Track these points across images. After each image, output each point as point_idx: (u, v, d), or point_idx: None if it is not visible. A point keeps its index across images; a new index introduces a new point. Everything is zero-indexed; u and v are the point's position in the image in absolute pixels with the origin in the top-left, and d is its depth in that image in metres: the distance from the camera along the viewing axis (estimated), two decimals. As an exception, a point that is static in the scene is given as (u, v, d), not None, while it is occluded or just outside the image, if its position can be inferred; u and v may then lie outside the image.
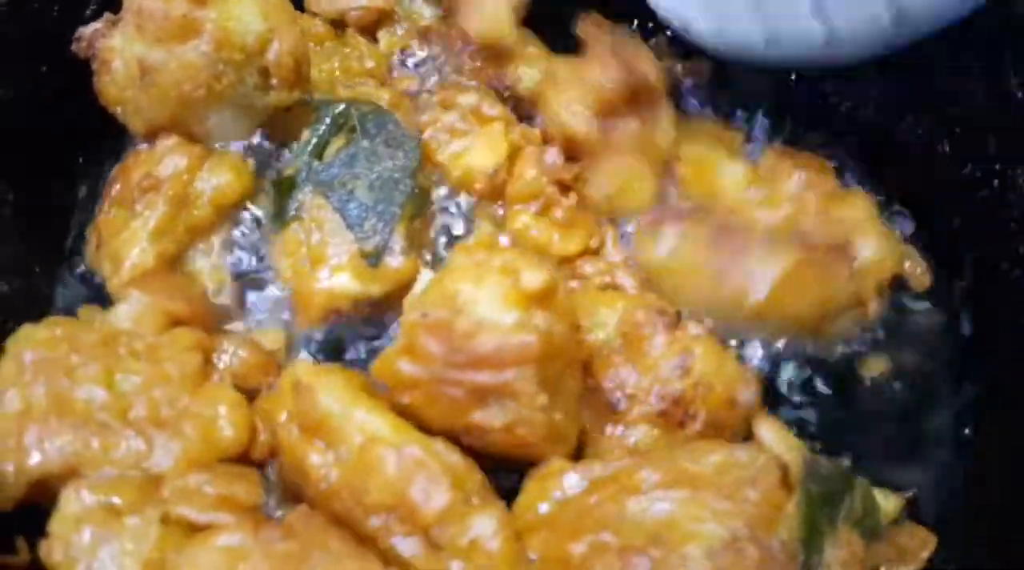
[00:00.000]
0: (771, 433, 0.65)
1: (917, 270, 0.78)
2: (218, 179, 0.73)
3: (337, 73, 0.83)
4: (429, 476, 0.58)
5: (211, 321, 0.72)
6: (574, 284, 0.76)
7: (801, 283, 0.71)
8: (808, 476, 0.60)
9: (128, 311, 0.67)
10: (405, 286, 0.74)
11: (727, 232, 0.73)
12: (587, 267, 0.77)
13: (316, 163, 0.75)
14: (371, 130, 0.76)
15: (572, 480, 0.61)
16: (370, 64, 0.85)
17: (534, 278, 0.60)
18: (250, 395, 0.66)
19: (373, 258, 0.72)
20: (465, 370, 0.60)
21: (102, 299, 0.72)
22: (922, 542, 0.66)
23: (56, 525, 0.58)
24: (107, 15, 0.72)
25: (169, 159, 0.71)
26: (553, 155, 0.78)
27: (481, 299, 0.60)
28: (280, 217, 0.74)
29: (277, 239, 0.74)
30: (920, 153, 0.80)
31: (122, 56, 0.69)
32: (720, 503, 0.57)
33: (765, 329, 0.73)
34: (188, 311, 0.70)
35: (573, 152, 0.81)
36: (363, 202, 0.73)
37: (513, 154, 0.79)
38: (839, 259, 0.72)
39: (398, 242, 0.73)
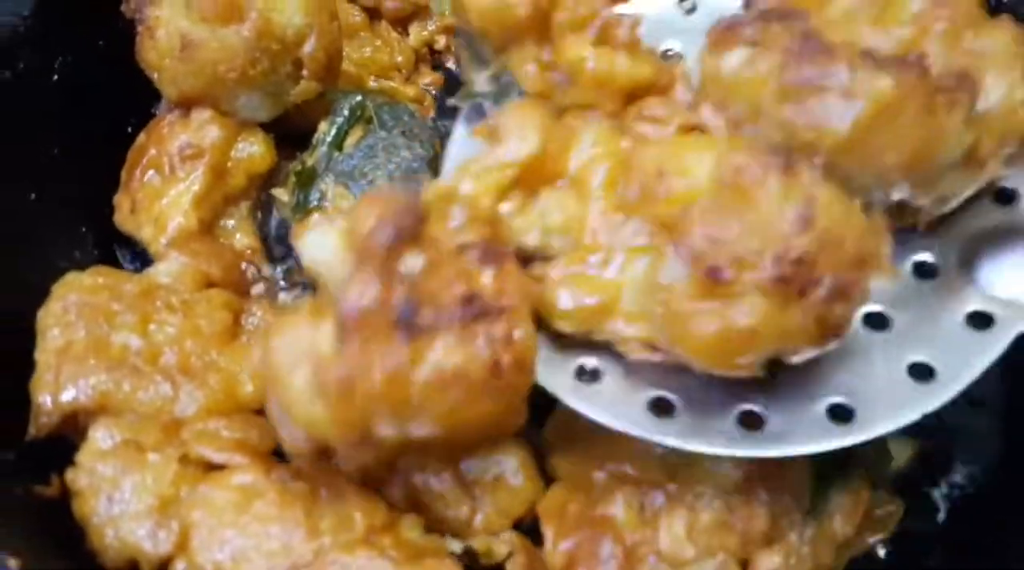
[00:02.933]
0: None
1: None
2: (251, 150, 0.78)
3: (366, 67, 0.88)
4: None
5: (242, 286, 0.76)
6: (647, 129, 0.61)
7: (898, 120, 0.54)
8: None
9: (167, 269, 0.72)
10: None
11: (811, 48, 0.56)
12: (659, 109, 0.62)
13: (336, 154, 0.79)
14: (387, 121, 0.80)
15: None
16: (399, 58, 0.89)
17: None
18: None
19: None
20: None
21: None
22: (890, 512, 0.67)
23: (84, 456, 0.62)
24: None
25: (207, 130, 0.76)
26: None
27: None
28: (303, 206, 0.78)
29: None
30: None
31: (167, 27, 0.74)
32: None
33: (846, 176, 0.55)
34: (222, 275, 0.74)
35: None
36: (384, 192, 0.76)
37: None
38: (956, 94, 0.55)
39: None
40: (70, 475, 0.61)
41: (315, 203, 0.78)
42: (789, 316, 0.51)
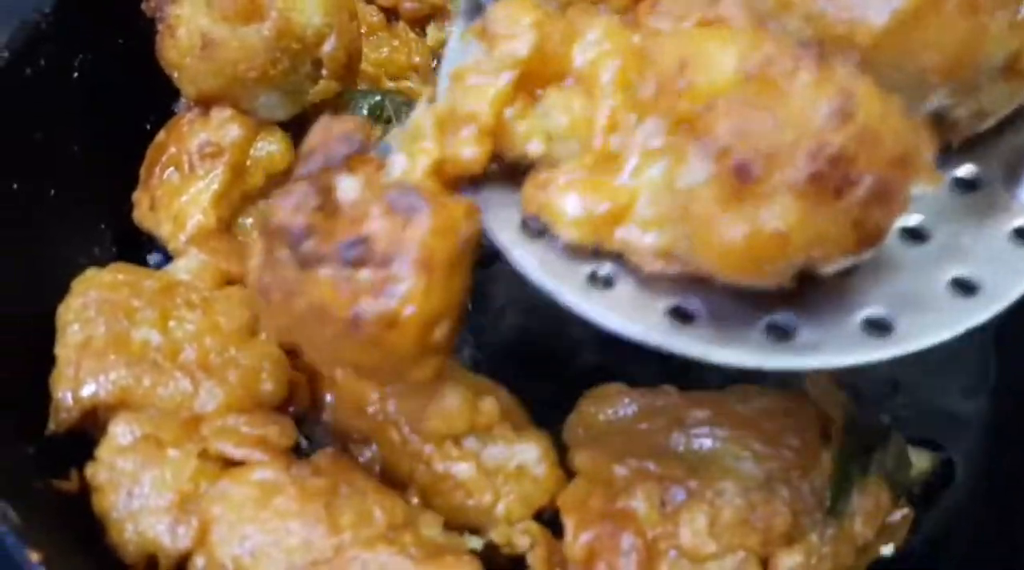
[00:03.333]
0: (818, 387, 0.65)
1: None
2: (270, 149, 0.78)
3: (383, 67, 0.88)
4: None
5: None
6: (660, 23, 0.53)
7: (939, 16, 0.48)
8: (847, 430, 0.63)
9: (187, 265, 0.72)
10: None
11: None
12: (674, 3, 0.54)
13: None
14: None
15: (626, 405, 0.64)
16: (416, 59, 0.89)
17: None
18: (293, 353, 0.69)
19: None
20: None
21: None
22: (904, 519, 0.67)
23: (104, 451, 0.62)
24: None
25: (227, 128, 0.76)
26: None
27: None
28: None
29: None
30: None
31: (187, 25, 0.74)
32: (761, 446, 0.61)
33: (880, 78, 0.49)
34: (241, 272, 0.74)
35: None
36: (405, 191, 0.77)
37: None
38: None
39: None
40: (90, 470, 0.62)
41: (335, 201, 0.78)
42: (824, 219, 0.46)
